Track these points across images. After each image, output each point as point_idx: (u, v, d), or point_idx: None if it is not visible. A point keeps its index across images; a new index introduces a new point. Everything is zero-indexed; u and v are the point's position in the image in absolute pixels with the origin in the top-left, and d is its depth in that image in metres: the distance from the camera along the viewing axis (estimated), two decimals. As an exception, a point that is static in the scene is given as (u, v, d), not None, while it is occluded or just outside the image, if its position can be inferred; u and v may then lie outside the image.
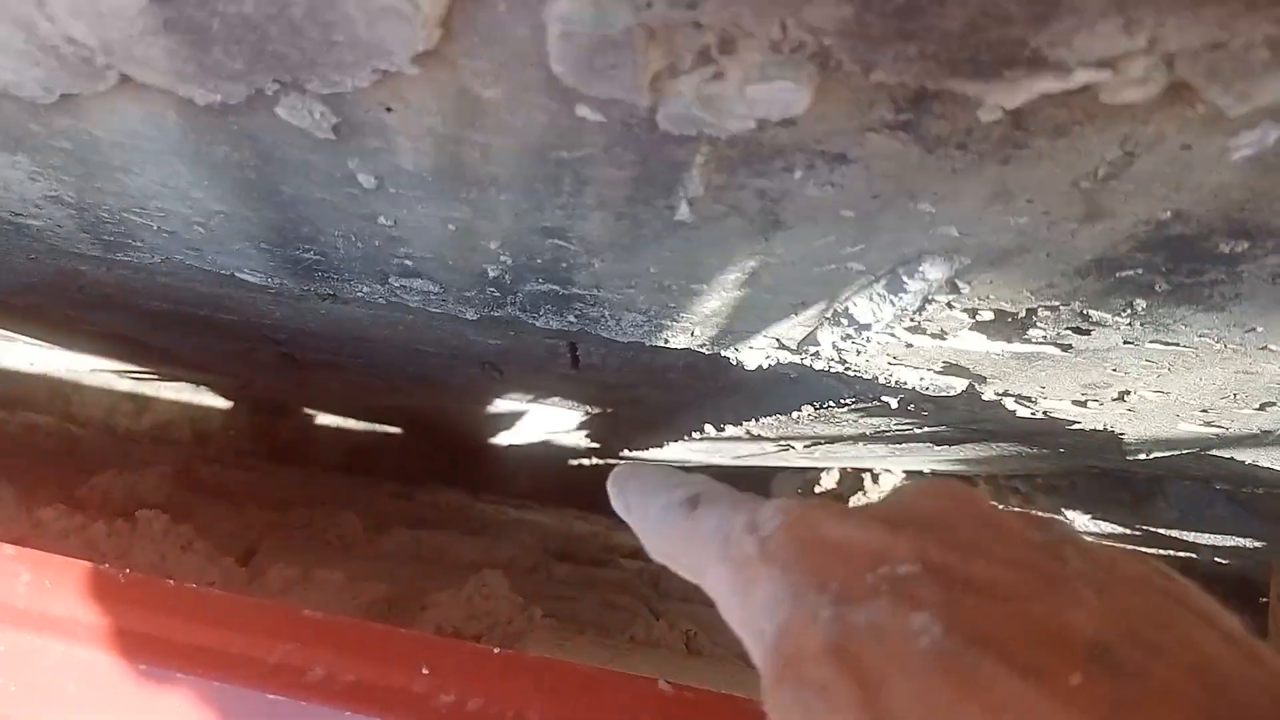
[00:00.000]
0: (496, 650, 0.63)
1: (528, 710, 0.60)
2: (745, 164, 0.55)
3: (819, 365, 0.93)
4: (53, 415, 3.86)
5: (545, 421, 3.83)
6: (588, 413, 3.16)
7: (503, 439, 4.70)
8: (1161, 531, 1.91)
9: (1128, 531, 2.08)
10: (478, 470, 5.46)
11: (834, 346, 0.84)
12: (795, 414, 1.41)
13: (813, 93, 0.46)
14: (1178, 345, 0.73)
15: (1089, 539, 0.40)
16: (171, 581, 0.67)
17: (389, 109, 0.55)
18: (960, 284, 0.67)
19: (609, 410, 2.88)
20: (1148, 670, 0.29)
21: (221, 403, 4.53)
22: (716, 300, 0.79)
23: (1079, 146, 0.48)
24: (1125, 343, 0.74)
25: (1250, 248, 0.57)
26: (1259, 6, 0.37)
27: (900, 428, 1.42)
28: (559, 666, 0.62)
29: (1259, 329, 0.69)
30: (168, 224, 0.80)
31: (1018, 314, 0.72)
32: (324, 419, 4.99)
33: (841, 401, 1.22)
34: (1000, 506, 0.41)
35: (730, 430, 1.87)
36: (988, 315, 0.73)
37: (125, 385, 4.34)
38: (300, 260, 0.85)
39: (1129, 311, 0.68)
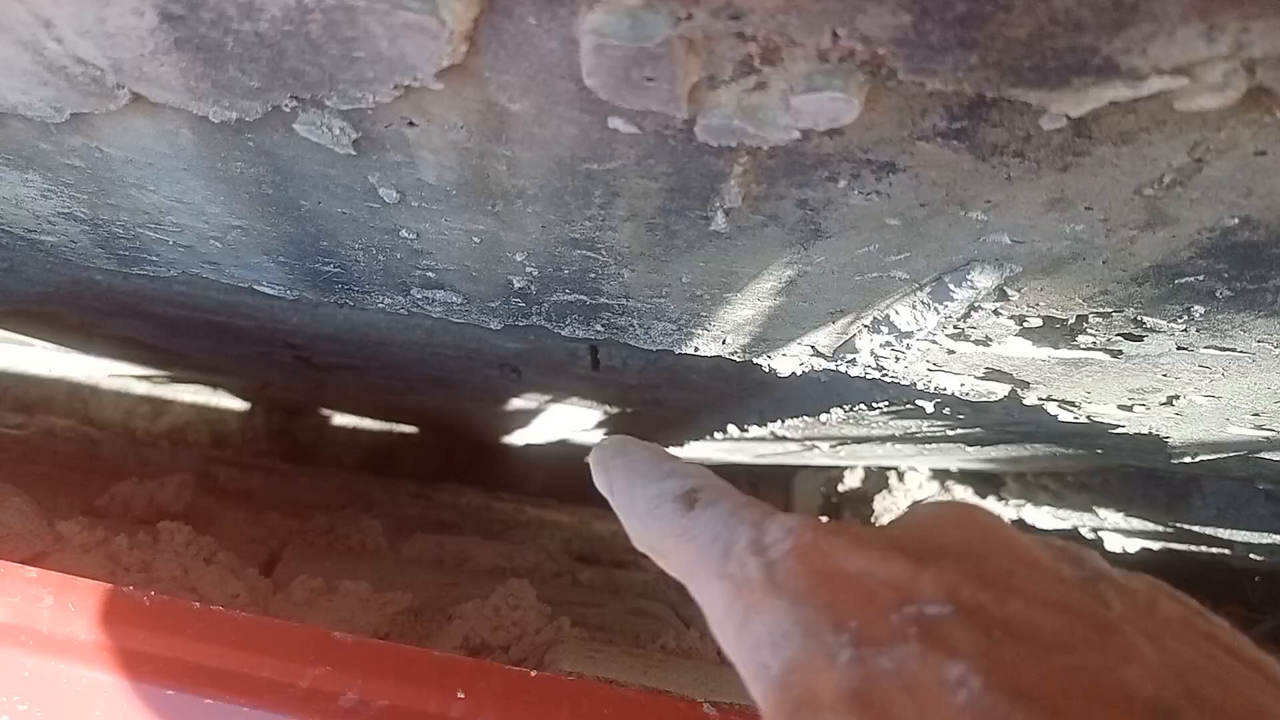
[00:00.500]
0: (534, 674, 0.61)
1: (565, 740, 0.58)
2: (786, 174, 0.52)
3: (855, 372, 0.90)
4: (71, 418, 3.88)
5: (562, 421, 3.82)
6: (606, 412, 3.14)
7: (519, 438, 4.69)
8: (1196, 529, 1.88)
9: (1160, 528, 2.05)
10: (494, 469, 5.46)
11: (872, 354, 0.82)
12: (824, 416, 1.38)
13: (862, 102, 0.43)
14: (1234, 350, 0.70)
15: (1117, 571, 0.37)
16: (198, 604, 0.65)
17: (411, 123, 0.53)
18: (1009, 291, 0.64)
19: (628, 410, 2.86)
20: None
21: (238, 404, 4.54)
22: (750, 309, 0.77)
23: (1145, 153, 0.46)
24: (1179, 348, 0.71)
25: (1323, 254, 0.54)
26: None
27: (932, 430, 1.39)
28: (598, 690, 0.60)
29: (1322, 334, 0.66)
30: (183, 239, 0.78)
31: (1067, 321, 0.70)
32: (341, 419, 5.00)
33: (873, 405, 1.19)
34: (1025, 534, 0.38)
35: (754, 431, 1.85)
36: (1036, 322, 0.70)
37: (142, 388, 4.35)
38: (320, 273, 0.83)
39: (1186, 318, 0.65)
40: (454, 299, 0.85)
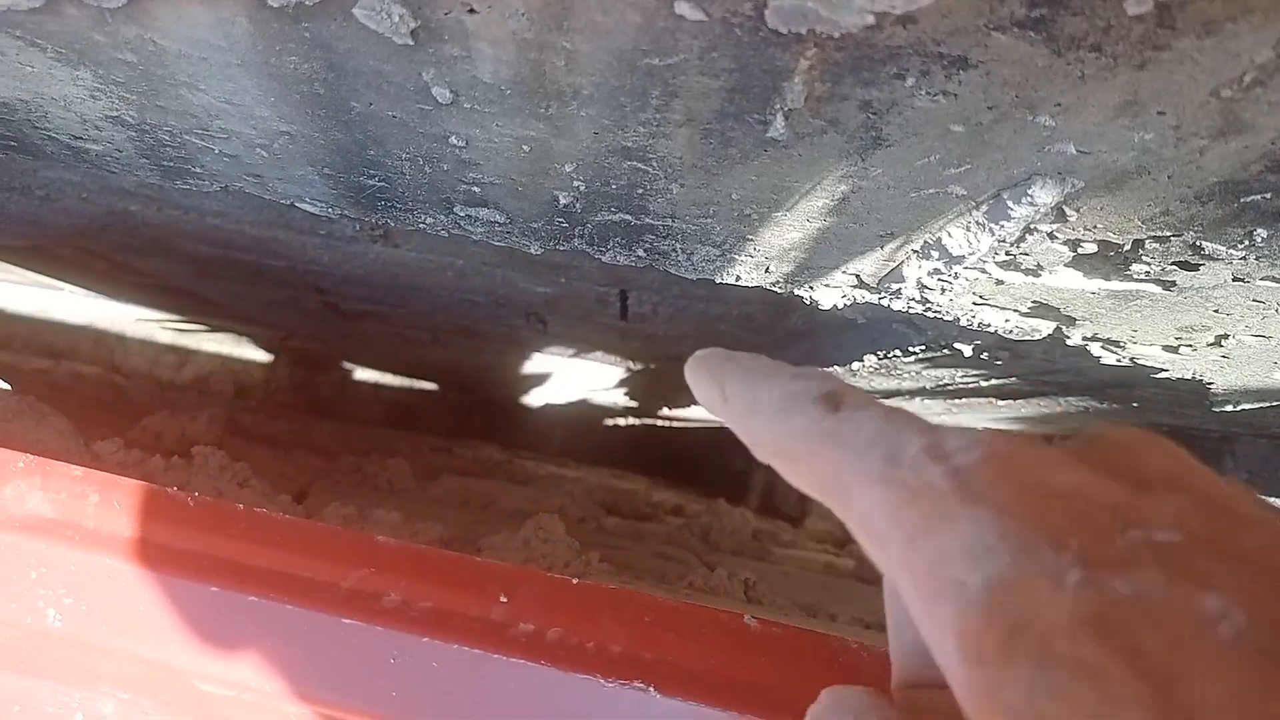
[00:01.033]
0: (575, 581, 0.61)
1: (609, 642, 0.58)
2: (853, 70, 0.51)
3: (897, 305, 0.89)
4: (97, 366, 3.91)
5: (583, 380, 3.82)
6: (629, 369, 3.15)
7: (539, 397, 4.71)
8: (1223, 495, 1.86)
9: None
10: (513, 429, 5.48)
11: (919, 284, 0.81)
12: (856, 365, 1.37)
13: (942, -19, 0.42)
14: (1293, 282, 0.69)
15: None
16: (241, 506, 0.65)
17: (472, 10, 0.52)
18: (1068, 211, 0.63)
19: (651, 366, 2.85)
20: None
21: (262, 356, 4.57)
22: (798, 231, 0.76)
23: (1227, 47, 0.44)
24: (1235, 279, 0.70)
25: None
26: None
27: (966, 380, 1.38)
28: (640, 598, 0.60)
29: (1387, 264, 0.65)
30: (230, 147, 0.78)
31: (1123, 246, 0.68)
32: (363, 374, 5.02)
33: (909, 350, 1.18)
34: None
35: (781, 384, 1.84)
36: (1090, 248, 0.69)
37: (167, 337, 4.38)
38: (364, 188, 0.82)
39: (1247, 243, 0.63)
40: (497, 218, 0.84)
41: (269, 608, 0.61)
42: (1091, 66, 0.47)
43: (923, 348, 1.14)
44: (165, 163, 0.84)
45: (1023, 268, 0.75)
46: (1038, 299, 0.82)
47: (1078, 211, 0.63)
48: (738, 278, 0.89)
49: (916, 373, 1.38)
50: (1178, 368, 0.93)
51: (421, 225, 0.90)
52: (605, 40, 0.53)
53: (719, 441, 4.81)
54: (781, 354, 1.76)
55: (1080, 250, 0.70)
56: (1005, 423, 1.93)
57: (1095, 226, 0.66)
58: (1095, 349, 0.91)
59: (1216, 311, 0.77)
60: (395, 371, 4.86)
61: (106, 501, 0.66)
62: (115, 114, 0.75)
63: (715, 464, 5.25)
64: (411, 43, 0.55)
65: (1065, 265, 0.74)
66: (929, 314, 0.90)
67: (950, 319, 0.90)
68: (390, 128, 0.69)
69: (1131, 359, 0.92)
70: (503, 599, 0.60)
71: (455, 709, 0.59)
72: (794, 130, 0.58)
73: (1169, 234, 0.65)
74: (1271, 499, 1.66)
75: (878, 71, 0.51)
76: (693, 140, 0.63)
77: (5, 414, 1.05)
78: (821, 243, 0.78)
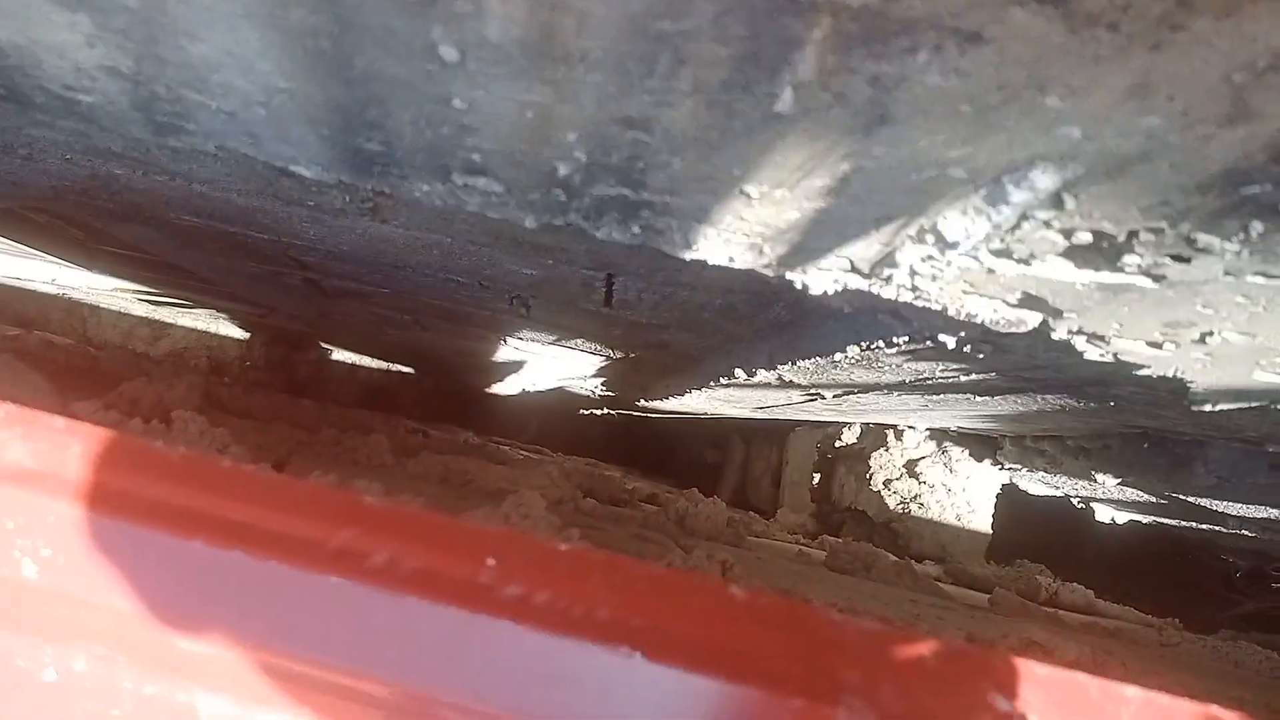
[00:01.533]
0: (564, 546, 0.61)
1: (597, 607, 0.58)
2: (866, 42, 0.51)
3: (887, 293, 0.89)
4: (69, 337, 3.86)
5: (560, 369, 3.82)
6: (607, 358, 3.14)
7: (517, 385, 4.69)
8: (1190, 500, 1.89)
9: (1154, 500, 2.06)
10: (490, 414, 5.47)
11: (911, 270, 0.81)
12: (838, 355, 1.38)
13: (963, -49, 0.42)
14: (1281, 279, 0.70)
15: None
16: (227, 462, 0.65)
17: (486, -34, 0.52)
18: (1066, 198, 0.64)
19: (631, 355, 2.85)
20: None
21: (239, 333, 4.53)
22: (795, 211, 0.76)
23: (1245, 30, 0.45)
24: (1225, 274, 0.71)
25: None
26: None
27: (945, 375, 1.39)
28: (629, 565, 0.60)
29: (1374, 263, 0.66)
30: (227, 103, 0.77)
31: (1117, 237, 0.69)
32: (340, 355, 4.99)
33: (892, 341, 1.19)
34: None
35: (761, 375, 1.85)
36: (1085, 237, 0.70)
37: (142, 310, 4.33)
38: (362, 151, 0.82)
39: (1242, 236, 0.64)
40: (494, 188, 0.84)
41: (252, 564, 0.60)
42: (1106, 46, 0.48)
43: (906, 339, 1.15)
44: (159, 117, 0.83)
45: (1015, 256, 0.76)
46: (1027, 290, 0.83)
47: (1076, 199, 0.64)
48: (730, 258, 0.89)
49: (897, 365, 1.39)
50: (1160, 365, 0.94)
51: (417, 194, 0.89)
52: (619, 1, 0.52)
53: (693, 433, 4.83)
54: (762, 345, 1.76)
55: (1075, 239, 0.71)
56: (981, 420, 1.95)
57: (1092, 215, 0.66)
58: (1080, 343, 0.92)
59: (1204, 307, 0.78)
60: (374, 354, 4.84)
61: (89, 454, 0.65)
62: (111, 64, 0.74)
63: (689, 455, 5.26)
64: (422, -3, 0.55)
65: (1058, 255, 0.74)
66: (918, 302, 0.90)
67: (938, 308, 0.91)
68: (393, 87, 0.68)
69: (1115, 354, 0.94)
70: (490, 562, 0.60)
71: (440, 669, 0.58)
72: (801, 104, 0.58)
73: (1165, 225, 0.65)
74: (1236, 506, 1.69)
75: (890, 45, 0.51)
76: (697, 111, 0.63)
77: (-19, 370, 1.03)
78: (818, 224, 0.78)
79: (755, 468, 3.82)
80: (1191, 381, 0.96)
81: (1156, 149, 0.56)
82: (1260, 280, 0.71)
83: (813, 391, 1.99)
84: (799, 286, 0.92)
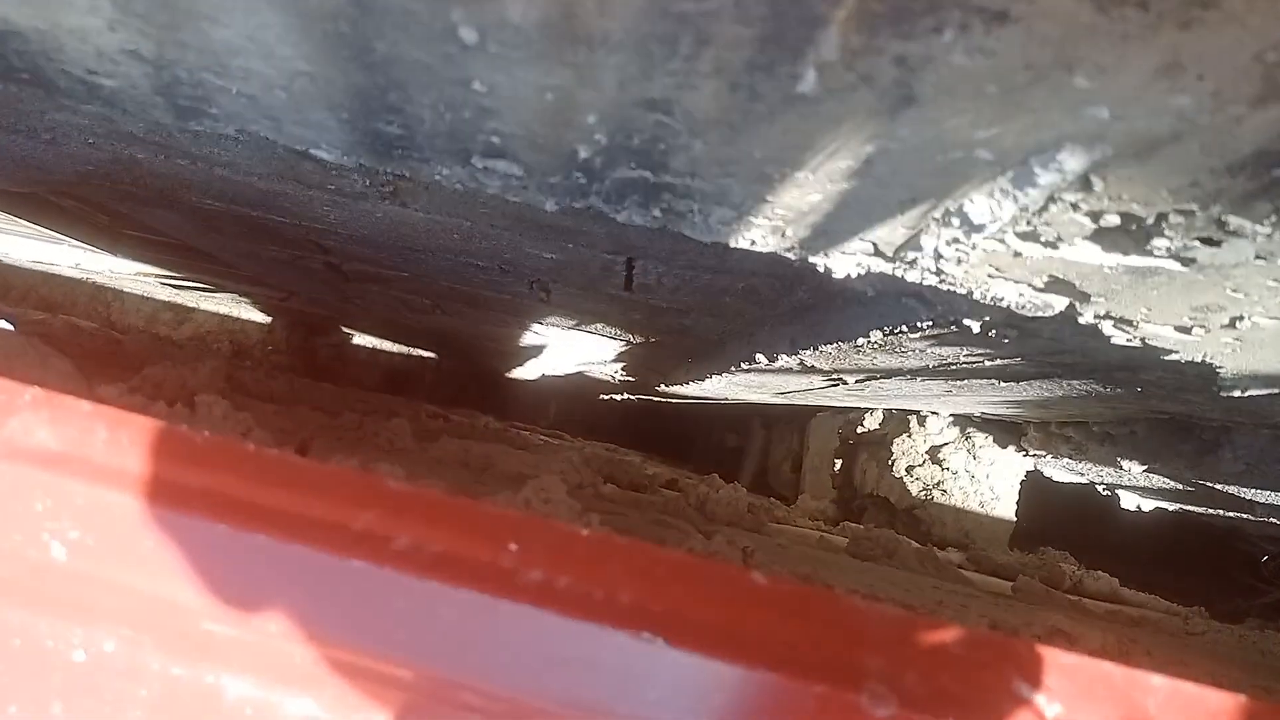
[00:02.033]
0: (586, 531, 0.61)
1: (618, 592, 0.58)
2: (891, 21, 0.50)
3: (911, 277, 0.89)
4: (94, 321, 3.90)
5: (579, 353, 3.82)
6: (628, 342, 3.14)
7: (536, 370, 4.70)
8: (1218, 488, 1.87)
9: (1180, 487, 2.04)
10: (510, 399, 5.49)
11: (936, 253, 0.80)
12: (860, 340, 1.37)
13: (992, -73, 0.41)
14: (1314, 262, 0.69)
15: None
16: (252, 446, 0.65)
17: (507, -53, 0.51)
18: (1094, 179, 0.63)
19: (651, 340, 2.85)
20: None
21: (260, 317, 4.56)
22: (818, 194, 0.75)
23: (1277, 7, 0.44)
24: (1256, 258, 0.70)
25: None
26: None
27: (969, 360, 1.38)
28: (650, 551, 0.60)
29: None
30: (248, 86, 0.77)
31: (1146, 219, 0.68)
32: (360, 340, 5.02)
33: (916, 326, 1.18)
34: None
35: (783, 360, 1.84)
36: (1113, 220, 0.69)
37: (165, 294, 4.37)
38: (381, 135, 0.82)
39: (1273, 219, 0.63)
40: (514, 171, 0.83)
41: (276, 547, 0.60)
42: (1135, 25, 0.47)
43: (930, 324, 1.14)
44: (180, 101, 0.83)
45: (1042, 239, 0.75)
46: (1053, 273, 0.82)
47: (1104, 181, 0.63)
48: (752, 242, 0.89)
49: (921, 350, 1.38)
50: (1189, 350, 0.93)
51: (437, 177, 0.89)
52: (640, -18, 0.52)
53: (713, 418, 4.83)
54: (784, 329, 1.76)
55: (1102, 222, 0.70)
56: (1006, 405, 1.93)
57: (1120, 197, 0.65)
58: (1107, 328, 0.91)
59: (1234, 291, 0.77)
60: (394, 338, 4.86)
61: (115, 437, 0.66)
62: (132, 47, 0.74)
63: (709, 441, 5.26)
64: (442, -21, 0.55)
65: (1085, 238, 0.73)
66: (942, 286, 0.90)
67: (963, 292, 0.90)
68: (413, 71, 0.68)
69: (1142, 339, 0.92)
70: (512, 546, 0.60)
71: (462, 653, 0.59)
72: (824, 85, 0.58)
73: (1195, 207, 0.64)
74: (1264, 494, 1.67)
75: (916, 23, 0.50)
76: (720, 93, 0.62)
77: (8, 353, 1.04)
78: (841, 207, 0.77)
79: (776, 453, 3.81)
80: (1220, 367, 0.95)
81: (1186, 130, 0.55)
82: (1293, 263, 0.70)
83: (835, 377, 1.97)
84: (822, 270, 0.92)
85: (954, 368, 1.48)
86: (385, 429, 1.56)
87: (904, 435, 2.45)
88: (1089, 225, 0.71)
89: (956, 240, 0.77)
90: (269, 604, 0.61)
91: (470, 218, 1.54)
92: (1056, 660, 0.57)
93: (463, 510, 0.61)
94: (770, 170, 0.73)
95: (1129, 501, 2.37)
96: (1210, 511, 2.19)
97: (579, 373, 4.59)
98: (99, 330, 3.24)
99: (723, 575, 0.59)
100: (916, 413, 2.47)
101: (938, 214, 0.75)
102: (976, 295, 0.89)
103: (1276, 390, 0.99)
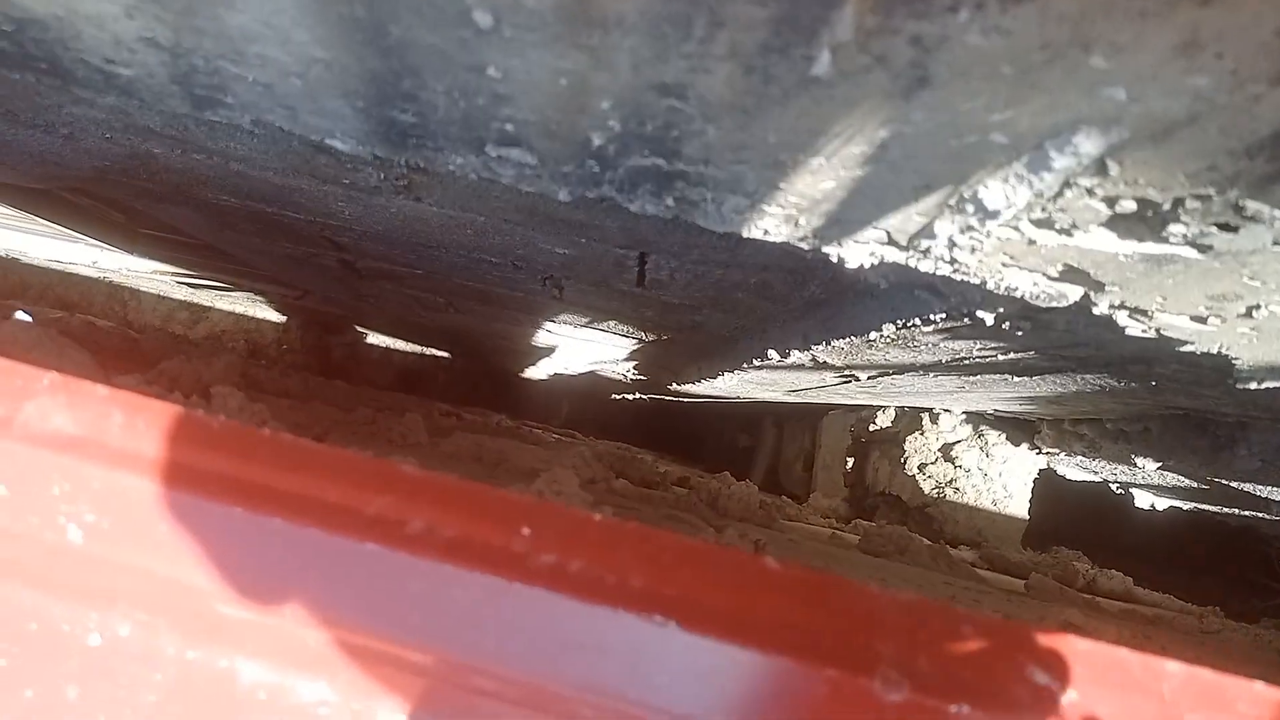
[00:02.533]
0: (598, 517, 0.61)
1: (630, 576, 0.58)
2: (907, 0, 0.50)
3: (925, 266, 0.88)
4: (111, 320, 3.93)
5: (592, 352, 3.82)
6: (640, 340, 3.14)
7: (548, 368, 4.71)
8: (1232, 485, 1.85)
9: (1194, 485, 2.02)
10: (522, 398, 5.49)
11: (950, 241, 0.80)
12: (873, 334, 1.37)
13: (1008, -99, 0.41)
14: (1333, 248, 0.68)
15: None
16: (267, 430, 0.65)
17: (521, -72, 0.51)
18: (1110, 164, 0.62)
19: (663, 338, 2.85)
20: None
21: (275, 316, 4.58)
22: (831, 180, 0.75)
23: (1297, -18, 0.44)
24: (1274, 243, 0.69)
25: None
26: None
27: (982, 354, 1.37)
28: (662, 536, 0.60)
29: None
30: (264, 74, 0.77)
31: (1162, 205, 0.68)
32: (374, 339, 5.04)
33: (929, 318, 1.17)
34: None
35: (795, 357, 1.84)
36: (1129, 205, 0.68)
37: (181, 294, 4.39)
38: (396, 123, 0.82)
39: (1292, 202, 0.62)
40: (528, 159, 0.83)
41: (291, 531, 0.61)
42: (1153, 1, 0.46)
43: (943, 316, 1.13)
44: (197, 90, 0.83)
45: (1057, 226, 0.74)
46: (1068, 262, 0.81)
47: (1120, 165, 0.63)
48: (765, 231, 0.89)
49: (934, 344, 1.37)
50: (1204, 340, 0.92)
51: (451, 167, 0.89)
52: (654, -37, 0.52)
53: (725, 417, 4.82)
54: (798, 325, 1.75)
55: (1118, 208, 0.69)
56: (1019, 402, 1.92)
57: (1136, 182, 0.65)
58: (1122, 318, 0.90)
59: (1251, 279, 0.77)
60: (407, 337, 4.87)
61: (131, 422, 0.66)
62: (149, 35, 0.75)
63: (721, 440, 5.26)
64: (456, -39, 0.55)
65: (1101, 225, 0.73)
66: (956, 275, 0.89)
67: (977, 282, 0.89)
68: (427, 56, 0.68)
69: (1157, 330, 0.92)
70: (525, 531, 0.60)
71: (475, 636, 0.59)
72: (839, 67, 0.58)
73: (1212, 191, 0.64)
74: (1276, 490, 1.66)
75: (932, 3, 0.50)
76: (734, 77, 0.62)
77: (26, 344, 1.05)
78: (855, 194, 0.77)
79: (788, 452, 3.81)
80: (1236, 358, 0.94)
81: (1204, 111, 0.55)
82: (1311, 250, 0.69)
83: (847, 373, 1.97)
84: (835, 260, 0.92)
85: (967, 362, 1.47)
86: (399, 424, 1.56)
87: (916, 433, 2.44)
88: (1105, 211, 0.70)
89: (971, 228, 0.77)
90: (283, 588, 0.62)
91: (484, 212, 1.55)
92: (1072, 647, 0.56)
93: (476, 495, 0.61)
94: (784, 156, 0.72)
95: (1143, 500, 2.35)
96: (1225, 510, 2.17)
97: (591, 372, 4.59)
98: (115, 328, 3.26)
99: (735, 561, 0.59)
100: (929, 410, 2.46)
101: (952, 201, 0.74)
102: (990, 285, 0.89)
103: (1293, 382, 0.98)
